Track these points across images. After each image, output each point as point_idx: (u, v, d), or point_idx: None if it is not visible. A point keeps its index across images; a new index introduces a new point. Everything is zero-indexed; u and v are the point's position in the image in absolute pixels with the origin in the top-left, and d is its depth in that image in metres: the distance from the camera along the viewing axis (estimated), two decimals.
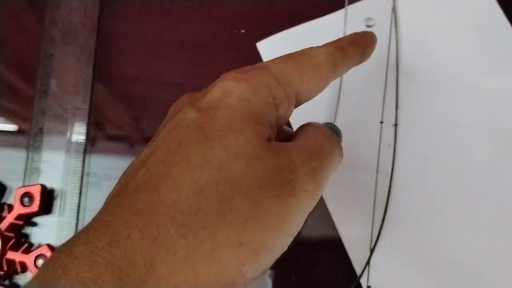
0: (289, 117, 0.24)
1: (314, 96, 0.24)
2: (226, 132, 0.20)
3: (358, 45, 0.27)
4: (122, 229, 0.18)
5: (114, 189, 0.21)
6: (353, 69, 0.35)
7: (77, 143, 0.37)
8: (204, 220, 0.18)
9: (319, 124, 0.25)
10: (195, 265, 0.18)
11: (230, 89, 0.21)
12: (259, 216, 0.19)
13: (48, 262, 0.18)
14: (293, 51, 0.36)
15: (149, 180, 0.19)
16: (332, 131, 0.25)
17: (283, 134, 0.25)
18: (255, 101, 0.21)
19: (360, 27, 0.36)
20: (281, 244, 0.20)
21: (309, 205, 0.21)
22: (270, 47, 0.37)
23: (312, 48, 0.25)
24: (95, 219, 0.19)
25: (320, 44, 0.34)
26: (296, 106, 0.24)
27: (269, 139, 0.21)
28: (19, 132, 0.38)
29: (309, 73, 0.23)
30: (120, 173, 0.36)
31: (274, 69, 0.23)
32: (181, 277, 0.17)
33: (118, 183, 0.21)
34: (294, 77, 0.23)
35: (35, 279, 0.17)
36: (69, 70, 0.39)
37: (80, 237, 0.18)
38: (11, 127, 0.38)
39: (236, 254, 0.19)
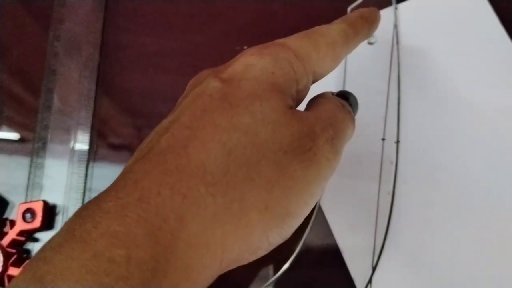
0: (306, 94, 0.24)
1: (327, 73, 0.25)
2: (252, 99, 0.20)
3: (366, 20, 0.28)
4: (152, 186, 0.17)
5: (134, 156, 0.20)
6: (354, 84, 0.35)
7: (80, 158, 0.37)
8: (233, 181, 0.18)
9: (330, 94, 0.25)
10: (224, 224, 0.18)
11: (254, 63, 0.22)
12: (284, 181, 0.19)
13: (74, 217, 0.17)
14: None
15: (175, 143, 0.19)
16: (345, 101, 0.25)
17: None
18: (278, 74, 0.21)
19: (361, 44, 0.36)
20: (302, 212, 0.21)
21: (329, 173, 0.22)
22: None
23: (324, 26, 0.25)
24: (120, 179, 0.19)
25: None
26: (312, 83, 0.24)
27: (292, 108, 0.21)
28: (21, 141, 0.38)
29: (324, 50, 0.24)
30: None
31: (293, 46, 0.23)
32: (210, 235, 0.18)
33: (139, 149, 0.21)
34: (312, 54, 0.23)
35: (62, 231, 0.17)
36: (72, 85, 0.39)
37: (108, 194, 0.18)
38: (14, 135, 0.38)
39: (263, 217, 0.19)
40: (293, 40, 0.24)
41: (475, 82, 0.35)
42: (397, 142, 0.34)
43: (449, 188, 0.33)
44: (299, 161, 0.20)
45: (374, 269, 0.31)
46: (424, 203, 0.33)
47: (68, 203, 0.36)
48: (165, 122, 0.21)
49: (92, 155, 0.37)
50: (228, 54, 0.38)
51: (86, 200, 0.36)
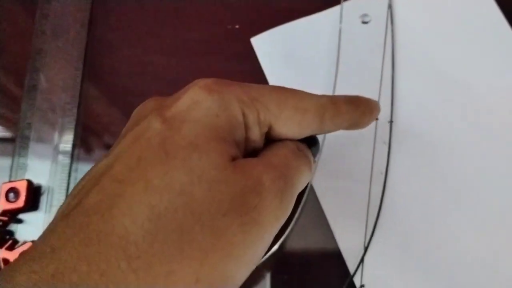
0: (260, 144, 0.22)
1: (290, 136, 0.23)
2: (191, 151, 0.18)
3: (356, 108, 0.25)
4: (68, 258, 0.16)
5: (66, 203, 0.19)
6: (348, 63, 0.35)
7: (66, 139, 0.36)
8: (160, 252, 0.17)
9: (288, 140, 0.23)
10: None
11: (200, 99, 0.20)
12: (221, 248, 0.18)
13: None
14: (287, 46, 0.36)
15: (102, 201, 0.17)
16: (304, 145, 0.24)
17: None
18: (224, 117, 0.20)
19: (355, 24, 0.35)
20: (242, 274, 0.19)
21: (275, 230, 0.20)
22: (265, 42, 0.36)
23: (305, 92, 0.23)
24: (43, 240, 0.17)
25: (316, 39, 0.34)
26: (268, 139, 0.23)
27: (236, 158, 0.20)
28: (7, 121, 0.37)
29: (290, 112, 0.22)
30: None
31: (255, 91, 0.21)
32: None
33: (71, 195, 0.19)
34: (273, 108, 0.21)
35: None
36: (59, 65, 0.38)
37: (25, 262, 0.16)
38: None
39: None
40: (260, 87, 0.22)
41: (471, 61, 0.34)
42: (391, 122, 0.33)
43: (443, 168, 0.32)
44: (240, 223, 0.18)
45: (366, 249, 0.31)
46: (417, 183, 0.32)
47: (53, 184, 0.35)
48: (101, 166, 0.19)
49: (78, 135, 0.36)
50: (220, 33, 0.37)
51: (72, 181, 0.35)
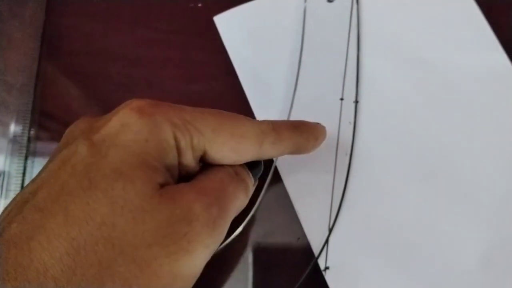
0: (195, 169, 0.22)
1: (226, 163, 0.22)
2: (114, 180, 0.18)
3: (299, 135, 0.25)
4: None
5: None
6: (313, 43, 0.34)
7: (22, 121, 0.35)
8: None
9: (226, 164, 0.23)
10: None
11: (130, 123, 0.19)
12: (145, 280, 0.17)
13: None
14: (251, 25, 0.35)
15: (22, 232, 0.17)
16: (242, 168, 0.23)
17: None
18: (153, 141, 0.19)
19: (320, 2, 0.35)
20: None
21: (205, 259, 0.20)
22: (228, 21, 0.35)
23: (245, 118, 0.23)
24: None
25: (281, 18, 0.33)
26: (202, 162, 0.22)
27: (165, 184, 0.19)
28: None
29: (225, 137, 0.21)
30: None
31: (189, 114, 0.21)
32: None
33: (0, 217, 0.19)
34: (207, 133, 0.21)
35: None
36: (16, 45, 0.36)
37: None
38: None
39: None
40: (195, 111, 0.21)
41: (437, 40, 0.34)
42: (356, 102, 0.33)
43: (409, 149, 0.32)
44: (167, 253, 0.18)
45: (330, 230, 0.30)
46: (383, 164, 0.32)
47: (9, 168, 0.34)
48: (26, 191, 0.19)
49: (36, 117, 0.35)
50: (182, 12, 0.36)
51: (29, 165, 0.34)
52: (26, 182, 0.34)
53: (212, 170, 0.22)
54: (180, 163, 0.21)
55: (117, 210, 0.17)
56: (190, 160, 0.21)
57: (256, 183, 0.27)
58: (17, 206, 0.18)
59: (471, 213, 0.30)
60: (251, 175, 0.25)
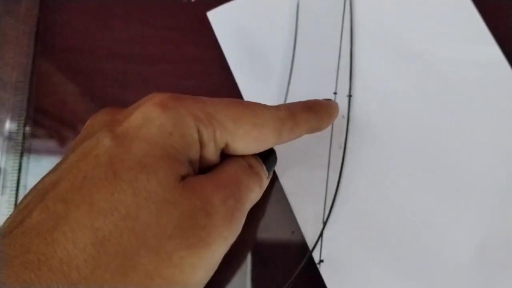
0: (216, 162, 0.22)
1: (247, 152, 0.23)
2: (139, 171, 0.18)
3: (314, 114, 0.25)
4: (8, 282, 0.15)
5: (11, 218, 0.18)
6: (306, 37, 0.34)
7: (17, 118, 0.35)
8: (103, 277, 0.16)
9: (240, 157, 0.23)
10: None
11: (153, 117, 0.19)
12: (167, 271, 0.17)
13: None
14: (245, 20, 0.35)
15: (45, 221, 0.17)
16: (256, 160, 0.23)
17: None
18: (177, 135, 0.19)
19: None
20: None
21: (224, 251, 0.20)
22: (221, 17, 0.35)
23: (262, 105, 0.23)
24: None
25: (274, 12, 0.33)
26: (223, 153, 0.22)
27: (187, 177, 0.19)
28: None
29: (247, 128, 0.21)
30: (61, 150, 0.34)
31: (210, 107, 0.21)
32: None
33: (17, 210, 0.19)
34: (229, 124, 0.21)
35: None
36: (10, 42, 0.37)
37: None
38: None
39: None
40: (216, 103, 0.21)
41: (431, 33, 0.34)
42: (349, 96, 0.33)
43: (401, 143, 0.32)
44: (188, 245, 0.18)
45: (324, 224, 0.30)
46: (376, 157, 0.32)
47: (5, 165, 0.34)
48: (47, 181, 0.19)
49: (30, 114, 0.35)
50: (176, 8, 0.36)
51: (24, 161, 0.34)
52: (22, 178, 0.34)
53: (227, 163, 0.22)
54: (201, 156, 0.21)
55: (141, 201, 0.17)
56: (212, 153, 0.21)
57: (271, 175, 0.27)
58: (38, 195, 0.18)
59: (465, 206, 0.30)
60: (264, 168, 0.25)
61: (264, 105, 0.23)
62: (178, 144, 0.19)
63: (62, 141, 0.34)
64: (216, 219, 0.19)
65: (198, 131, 0.20)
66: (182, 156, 0.19)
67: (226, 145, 0.22)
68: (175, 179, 0.18)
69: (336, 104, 0.28)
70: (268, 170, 0.25)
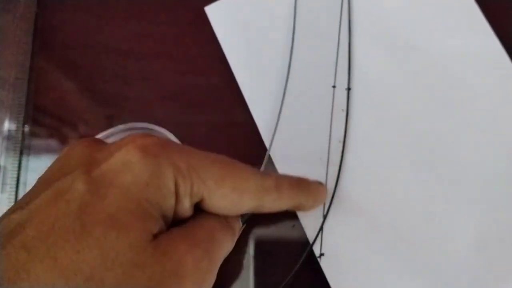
0: (189, 214, 0.21)
1: (221, 213, 0.22)
2: (109, 227, 0.17)
3: (300, 194, 0.25)
4: None
5: None
6: (304, 31, 0.34)
7: (16, 115, 0.35)
8: None
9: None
10: None
11: (132, 163, 0.19)
12: None
13: None
14: (243, 15, 0.35)
15: (6, 270, 0.16)
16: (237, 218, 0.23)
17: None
18: (153, 186, 0.18)
19: None
20: None
21: None
22: (219, 11, 0.35)
23: (250, 170, 0.22)
24: None
25: (272, 6, 0.33)
26: (197, 208, 0.22)
27: (159, 233, 0.19)
28: None
29: (226, 190, 0.21)
30: (61, 147, 0.34)
31: (195, 160, 0.20)
32: None
33: None
34: (210, 183, 0.20)
35: None
36: (8, 39, 0.37)
37: None
38: None
39: None
40: (202, 158, 0.21)
41: (430, 26, 0.34)
42: (348, 89, 0.33)
43: (402, 135, 0.32)
44: None
45: (325, 217, 0.30)
46: (376, 150, 0.32)
47: (5, 163, 0.34)
48: (13, 220, 0.17)
49: (29, 111, 0.35)
50: (173, 2, 0.36)
51: (24, 159, 0.34)
52: (22, 176, 0.34)
53: (204, 216, 0.21)
54: (175, 209, 0.20)
55: (108, 263, 0.16)
56: (186, 206, 0.20)
57: (244, 226, 0.26)
58: (2, 235, 0.17)
59: (464, 198, 0.30)
60: (240, 220, 0.24)
61: (252, 170, 0.22)
62: (153, 196, 0.18)
63: (61, 139, 0.34)
64: (188, 283, 0.18)
65: (176, 184, 0.19)
66: (156, 210, 0.19)
67: (202, 201, 0.21)
68: (146, 239, 0.18)
69: (325, 190, 0.28)
70: (244, 222, 0.25)
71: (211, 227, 0.21)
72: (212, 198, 0.21)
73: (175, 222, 0.21)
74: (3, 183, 0.34)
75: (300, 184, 0.25)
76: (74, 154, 0.21)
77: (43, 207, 0.18)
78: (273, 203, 0.23)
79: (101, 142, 0.22)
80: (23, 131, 0.35)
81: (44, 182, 0.20)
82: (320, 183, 0.28)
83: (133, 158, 0.19)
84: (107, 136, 0.32)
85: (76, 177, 0.18)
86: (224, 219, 0.22)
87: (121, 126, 0.33)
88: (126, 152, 0.19)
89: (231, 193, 0.21)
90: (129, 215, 0.18)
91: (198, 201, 0.21)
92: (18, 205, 0.18)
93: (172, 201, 0.19)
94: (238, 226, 0.24)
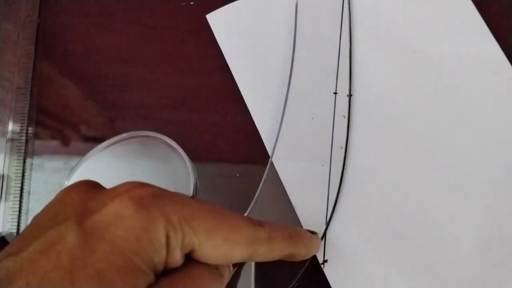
0: (179, 264, 0.21)
1: (212, 263, 0.22)
2: (97, 285, 0.17)
3: (293, 246, 0.24)
4: None
5: None
6: (305, 37, 0.34)
7: (19, 124, 0.35)
8: None
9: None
10: None
11: (125, 215, 0.18)
12: None
13: None
14: (244, 22, 0.35)
15: None
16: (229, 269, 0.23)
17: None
18: (144, 240, 0.18)
19: None
20: None
21: None
22: (221, 19, 0.35)
23: (242, 220, 0.22)
24: None
25: (272, 13, 0.33)
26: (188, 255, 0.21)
27: (149, 286, 0.19)
28: None
29: (218, 242, 0.20)
30: (63, 156, 0.34)
31: (188, 211, 0.20)
32: None
33: None
34: (201, 234, 0.20)
35: None
36: (10, 47, 0.37)
37: None
38: None
39: None
40: (195, 208, 0.20)
41: (429, 32, 0.34)
42: (350, 95, 0.33)
43: (403, 141, 0.32)
44: None
45: (328, 224, 0.31)
46: (378, 156, 0.32)
47: (8, 171, 0.34)
48: (5, 267, 0.17)
49: (32, 120, 0.35)
50: (175, 11, 0.36)
51: (27, 167, 0.34)
52: (26, 185, 0.34)
53: (194, 264, 0.21)
54: (166, 260, 0.20)
55: None
56: (177, 257, 0.20)
57: (235, 270, 0.26)
58: None
59: (467, 202, 0.31)
60: (231, 266, 0.24)
61: (245, 220, 0.22)
62: (143, 251, 0.18)
63: (64, 146, 0.35)
64: None
65: (167, 237, 0.19)
66: (146, 264, 0.19)
67: (193, 250, 0.21)
68: None
69: (318, 241, 0.28)
70: (234, 266, 0.25)
71: (200, 277, 0.21)
72: (203, 249, 0.20)
73: (165, 271, 0.21)
74: (7, 192, 0.34)
75: (293, 235, 0.25)
76: (68, 201, 0.21)
77: (34, 256, 0.18)
78: (264, 254, 0.23)
79: (97, 186, 0.22)
80: (26, 139, 0.35)
81: (37, 228, 0.20)
82: (313, 234, 0.28)
83: (126, 210, 0.19)
84: (110, 145, 0.33)
85: (68, 228, 0.18)
86: (214, 268, 0.22)
87: (124, 135, 0.33)
88: (119, 203, 0.19)
89: (222, 245, 0.21)
90: (118, 272, 0.18)
91: (188, 251, 0.21)
92: (12, 250, 0.19)
93: (163, 253, 0.19)
94: (229, 273, 0.24)
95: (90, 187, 0.22)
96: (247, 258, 0.22)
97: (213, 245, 0.20)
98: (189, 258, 0.21)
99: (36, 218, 0.21)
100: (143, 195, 0.19)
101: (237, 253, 0.21)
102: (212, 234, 0.20)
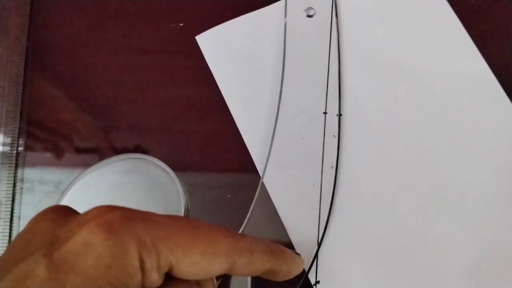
0: (158, 284, 0.20)
1: (191, 279, 0.21)
2: None
3: (274, 261, 0.24)
4: None
5: None
6: (295, 58, 0.34)
7: (8, 148, 0.35)
8: None
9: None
10: None
11: (94, 243, 0.18)
12: None
13: None
14: (233, 43, 0.35)
15: None
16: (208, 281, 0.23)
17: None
18: (116, 267, 0.18)
19: (300, 17, 0.35)
20: None
21: None
22: (210, 40, 0.36)
23: (221, 232, 0.22)
24: None
25: (261, 34, 0.33)
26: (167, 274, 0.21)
27: None
28: None
29: (195, 258, 0.20)
30: (54, 178, 0.34)
31: (162, 230, 0.19)
32: None
33: None
34: (177, 252, 0.20)
35: None
36: (0, 58, 0.37)
37: None
38: None
39: None
40: (170, 226, 0.20)
41: (417, 51, 0.34)
42: (339, 115, 0.33)
43: (394, 160, 0.32)
44: None
45: (319, 244, 0.31)
46: (369, 175, 0.32)
47: None
48: None
49: (21, 144, 0.35)
50: (165, 32, 0.36)
51: (17, 191, 0.34)
52: (16, 208, 0.34)
53: (173, 282, 0.21)
54: (143, 282, 0.19)
55: None
56: (155, 279, 0.20)
57: (219, 282, 0.26)
58: None
59: (459, 220, 0.31)
60: (214, 279, 0.24)
61: (223, 231, 0.22)
62: (116, 278, 0.18)
63: (55, 165, 0.34)
64: None
65: (141, 260, 0.19)
66: None
67: (171, 269, 0.20)
68: None
69: (301, 261, 0.27)
70: (218, 278, 0.24)
71: None
72: (181, 266, 0.20)
73: None
74: None
75: (275, 250, 0.24)
76: (37, 230, 0.20)
77: None
78: (244, 267, 0.22)
79: (67, 212, 0.21)
80: (16, 164, 0.35)
81: (7, 262, 0.19)
82: (296, 254, 0.27)
83: (95, 238, 0.18)
84: (100, 167, 0.33)
85: (37, 261, 0.18)
86: (195, 284, 0.21)
87: (114, 158, 0.33)
88: (87, 231, 0.18)
89: (201, 260, 0.20)
90: None
91: (166, 271, 0.20)
92: None
93: (138, 276, 0.19)
94: (212, 286, 0.23)
95: (61, 214, 0.21)
96: (227, 270, 0.22)
97: (191, 261, 0.20)
98: (169, 276, 0.21)
99: (8, 249, 0.20)
100: (112, 220, 0.19)
101: (217, 266, 0.21)
102: (189, 251, 0.20)
